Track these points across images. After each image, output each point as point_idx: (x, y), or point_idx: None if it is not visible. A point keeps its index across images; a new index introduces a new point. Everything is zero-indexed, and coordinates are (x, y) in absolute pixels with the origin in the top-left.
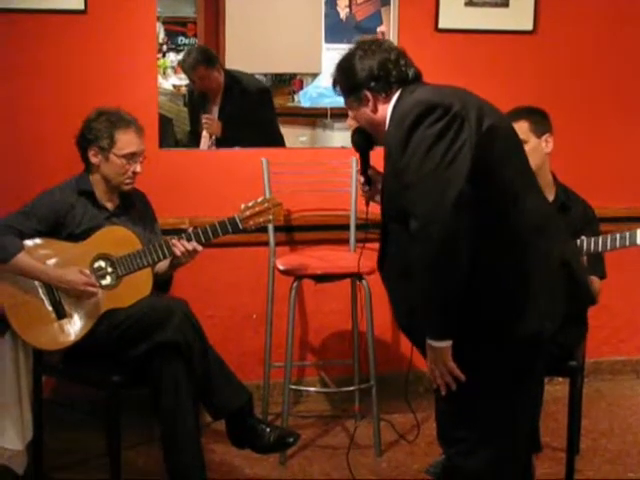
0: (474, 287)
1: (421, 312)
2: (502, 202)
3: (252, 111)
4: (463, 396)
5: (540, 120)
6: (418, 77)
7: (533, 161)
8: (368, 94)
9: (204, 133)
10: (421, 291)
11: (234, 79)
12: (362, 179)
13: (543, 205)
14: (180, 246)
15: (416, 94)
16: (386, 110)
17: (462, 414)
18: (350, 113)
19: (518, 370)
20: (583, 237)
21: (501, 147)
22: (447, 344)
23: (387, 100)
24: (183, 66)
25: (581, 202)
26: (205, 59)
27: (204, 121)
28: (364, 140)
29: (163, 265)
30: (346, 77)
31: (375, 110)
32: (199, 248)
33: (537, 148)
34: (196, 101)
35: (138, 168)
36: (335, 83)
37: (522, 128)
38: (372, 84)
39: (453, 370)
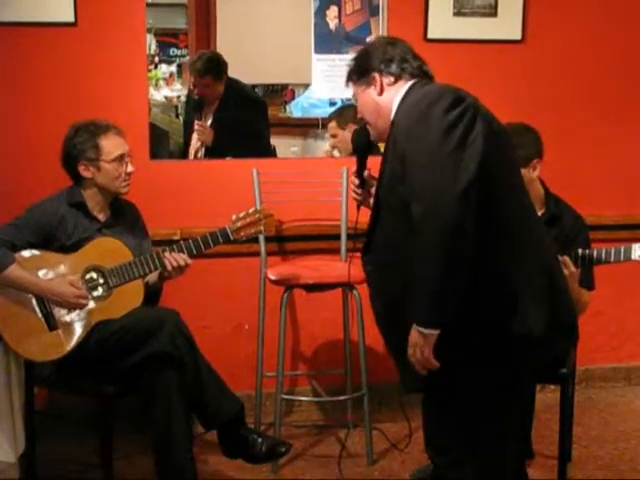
0: (471, 284)
1: (417, 296)
2: (502, 205)
3: (245, 122)
4: (452, 405)
5: (526, 149)
6: (430, 77)
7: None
8: (377, 76)
9: (194, 139)
10: (420, 274)
11: (233, 88)
12: (356, 181)
13: (536, 216)
14: (172, 260)
15: (428, 87)
16: (392, 97)
17: (451, 423)
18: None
19: (507, 374)
20: (579, 250)
21: (505, 153)
22: (435, 332)
23: (394, 85)
24: (191, 68)
25: (572, 211)
26: (215, 71)
27: (196, 127)
28: (365, 141)
29: (152, 277)
30: (361, 60)
31: (381, 92)
32: (189, 261)
33: (524, 177)
34: (193, 106)
35: (130, 168)
36: (349, 73)
37: None
38: (383, 67)
39: (430, 359)
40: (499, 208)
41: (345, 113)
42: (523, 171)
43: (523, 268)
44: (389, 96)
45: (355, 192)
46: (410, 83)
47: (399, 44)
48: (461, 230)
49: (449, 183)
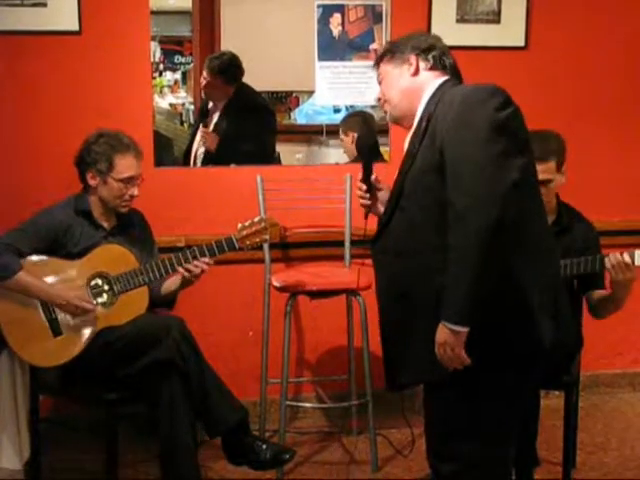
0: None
1: (449, 291)
2: (523, 213)
3: (249, 129)
4: (455, 409)
5: (562, 154)
6: (461, 80)
7: (552, 194)
8: (413, 57)
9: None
10: (455, 269)
11: (243, 93)
12: (364, 187)
13: (548, 229)
14: (202, 265)
15: (476, 85)
16: (426, 82)
17: (454, 427)
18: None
19: (513, 379)
20: (582, 258)
21: (534, 163)
22: (465, 330)
23: (429, 71)
24: (207, 64)
25: (584, 221)
26: (229, 73)
27: (200, 135)
28: (369, 146)
29: (173, 284)
30: (399, 42)
31: (416, 72)
32: (211, 262)
33: (558, 183)
34: (200, 111)
35: (135, 191)
36: (383, 52)
37: (550, 169)
38: (421, 52)
39: (461, 356)
40: (520, 216)
41: (348, 119)
42: (558, 179)
43: (535, 278)
44: (422, 79)
45: (363, 198)
46: (444, 78)
47: (440, 40)
48: (502, 228)
49: (498, 180)
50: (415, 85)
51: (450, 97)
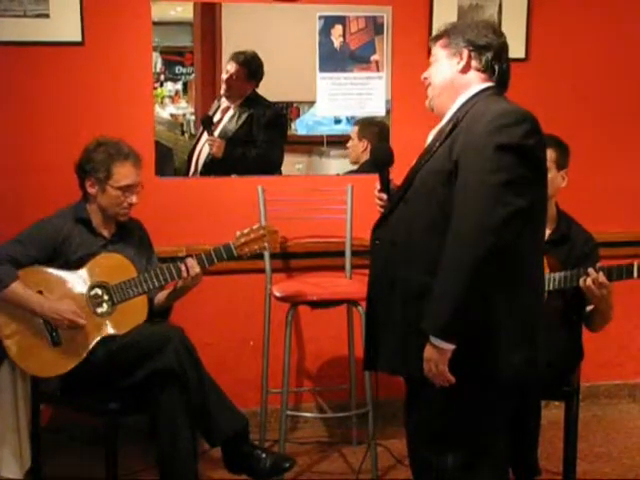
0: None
1: (435, 306)
2: (525, 244)
3: (262, 131)
4: (440, 421)
5: (564, 153)
6: (506, 88)
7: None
8: (466, 53)
9: (204, 149)
10: (446, 287)
11: (257, 98)
12: (384, 197)
13: (542, 252)
14: (188, 267)
15: (509, 104)
16: (470, 82)
17: (438, 435)
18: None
19: (483, 397)
20: (582, 268)
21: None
22: (450, 347)
23: (478, 72)
24: (232, 56)
25: (583, 232)
26: (252, 67)
27: (208, 142)
28: (387, 156)
29: (161, 297)
30: (457, 30)
31: (466, 70)
32: (197, 269)
33: (554, 180)
34: (202, 122)
35: (134, 199)
36: (442, 32)
37: (549, 156)
38: (476, 49)
39: (445, 374)
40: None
41: (368, 125)
42: (555, 174)
43: (514, 308)
44: (468, 79)
45: (383, 207)
46: (487, 85)
47: (500, 37)
48: (498, 255)
49: (502, 208)
50: (459, 82)
51: (481, 110)
